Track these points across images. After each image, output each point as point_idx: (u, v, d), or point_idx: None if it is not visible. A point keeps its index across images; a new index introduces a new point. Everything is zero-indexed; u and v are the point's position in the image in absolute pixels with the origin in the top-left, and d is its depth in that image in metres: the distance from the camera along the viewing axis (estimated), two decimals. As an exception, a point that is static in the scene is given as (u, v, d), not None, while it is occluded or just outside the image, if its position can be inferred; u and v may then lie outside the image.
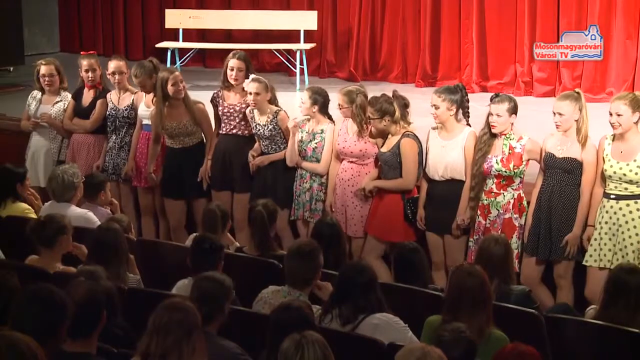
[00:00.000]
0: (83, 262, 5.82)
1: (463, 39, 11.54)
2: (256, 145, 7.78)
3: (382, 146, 7.21)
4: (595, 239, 6.53)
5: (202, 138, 8.00)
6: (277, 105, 7.71)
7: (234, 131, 7.84)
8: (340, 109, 7.39)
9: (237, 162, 7.85)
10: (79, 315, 4.11)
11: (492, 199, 6.79)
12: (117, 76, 8.14)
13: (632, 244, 6.40)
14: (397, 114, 7.07)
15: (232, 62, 7.83)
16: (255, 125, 7.65)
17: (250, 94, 7.55)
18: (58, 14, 14.24)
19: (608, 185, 6.49)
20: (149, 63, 8.12)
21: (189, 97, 7.92)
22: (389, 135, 7.16)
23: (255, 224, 6.37)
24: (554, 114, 6.60)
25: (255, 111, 7.63)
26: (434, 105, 7.00)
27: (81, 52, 8.93)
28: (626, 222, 6.42)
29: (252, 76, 7.66)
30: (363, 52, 12.17)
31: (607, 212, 6.49)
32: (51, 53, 12.87)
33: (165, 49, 12.06)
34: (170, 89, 7.75)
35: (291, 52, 11.94)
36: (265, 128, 7.60)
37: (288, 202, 7.61)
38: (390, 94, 7.23)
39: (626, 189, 6.42)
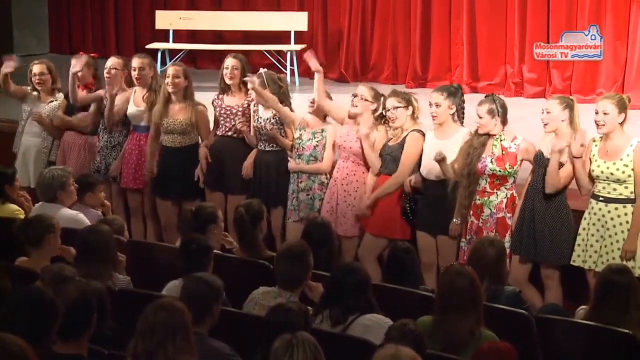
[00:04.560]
0: (70, 264, 5.79)
1: (453, 40, 11.53)
2: (249, 159, 7.74)
3: (389, 140, 7.23)
4: (583, 240, 6.54)
5: (198, 140, 7.96)
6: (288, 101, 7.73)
7: (230, 133, 7.83)
8: (364, 100, 7.26)
9: (231, 164, 7.82)
10: (69, 316, 4.10)
11: (485, 198, 6.79)
12: (112, 71, 8.09)
13: (619, 249, 6.41)
14: (417, 109, 7.15)
15: (228, 61, 7.83)
16: (257, 119, 7.64)
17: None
18: (48, 15, 14.21)
19: (596, 186, 6.50)
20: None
21: (191, 96, 7.87)
22: (401, 131, 7.19)
23: (235, 224, 6.34)
24: (543, 111, 6.64)
25: (260, 106, 7.64)
26: (436, 103, 6.97)
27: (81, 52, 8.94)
28: (614, 226, 6.43)
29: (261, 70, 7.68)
30: (353, 53, 12.16)
31: (595, 214, 6.50)
32: (41, 54, 12.82)
33: (156, 50, 12.01)
34: (165, 80, 7.78)
35: (281, 53, 11.93)
36: (268, 122, 7.58)
37: (284, 201, 7.58)
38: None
39: (615, 189, 6.43)
